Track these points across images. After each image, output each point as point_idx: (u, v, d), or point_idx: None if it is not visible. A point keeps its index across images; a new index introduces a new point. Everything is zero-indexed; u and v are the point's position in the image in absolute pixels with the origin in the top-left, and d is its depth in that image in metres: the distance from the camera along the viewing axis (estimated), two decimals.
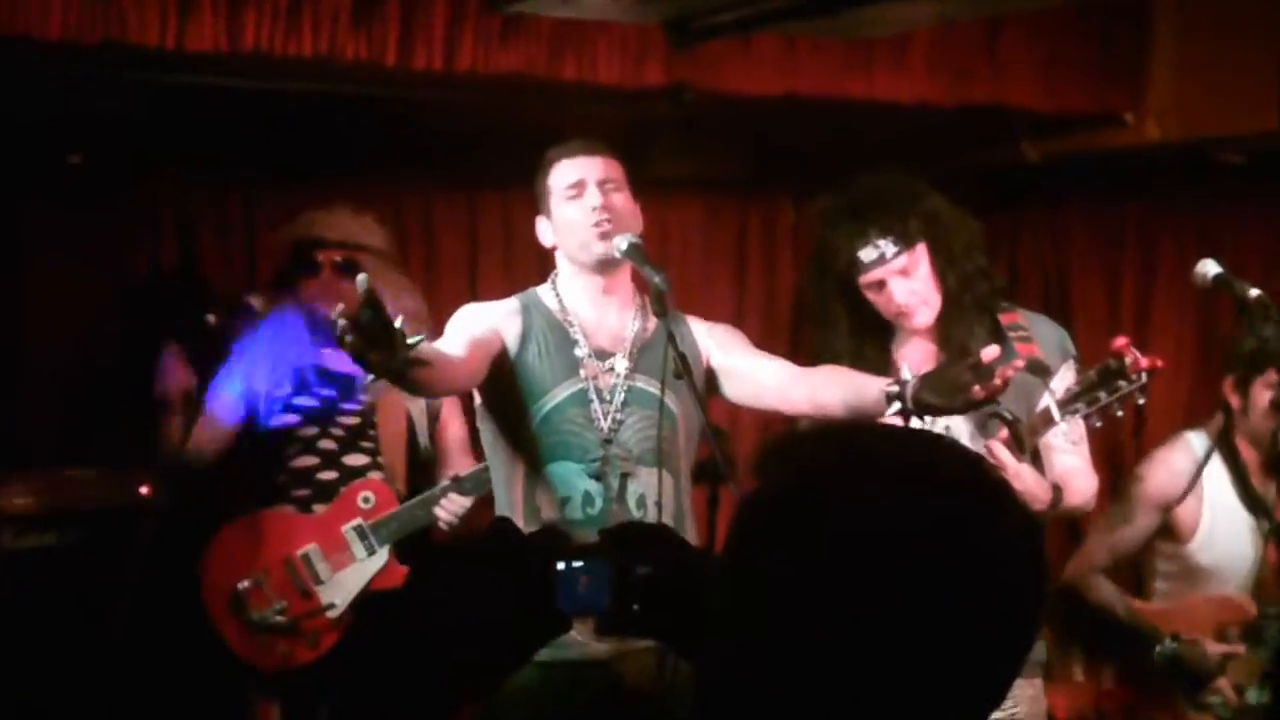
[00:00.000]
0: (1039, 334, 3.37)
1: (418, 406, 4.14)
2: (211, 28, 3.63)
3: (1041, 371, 3.28)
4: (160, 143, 4.60)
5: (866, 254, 3.33)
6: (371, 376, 2.72)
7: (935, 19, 3.47)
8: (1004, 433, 3.12)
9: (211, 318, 4.01)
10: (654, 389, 3.18)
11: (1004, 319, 3.38)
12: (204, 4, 3.61)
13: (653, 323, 3.26)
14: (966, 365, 2.93)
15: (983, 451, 3.09)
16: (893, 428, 1.47)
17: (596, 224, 3.16)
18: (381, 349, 2.69)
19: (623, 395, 3.20)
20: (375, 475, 4.03)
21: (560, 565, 1.47)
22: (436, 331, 4.31)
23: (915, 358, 3.42)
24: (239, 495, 4.05)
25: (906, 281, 3.34)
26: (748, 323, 5.48)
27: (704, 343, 3.28)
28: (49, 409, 4.59)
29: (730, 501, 3.23)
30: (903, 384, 3.00)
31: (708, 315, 3.65)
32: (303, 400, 4.04)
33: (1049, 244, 5.67)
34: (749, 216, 5.67)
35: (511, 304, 3.26)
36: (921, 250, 3.35)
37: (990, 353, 2.93)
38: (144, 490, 4.12)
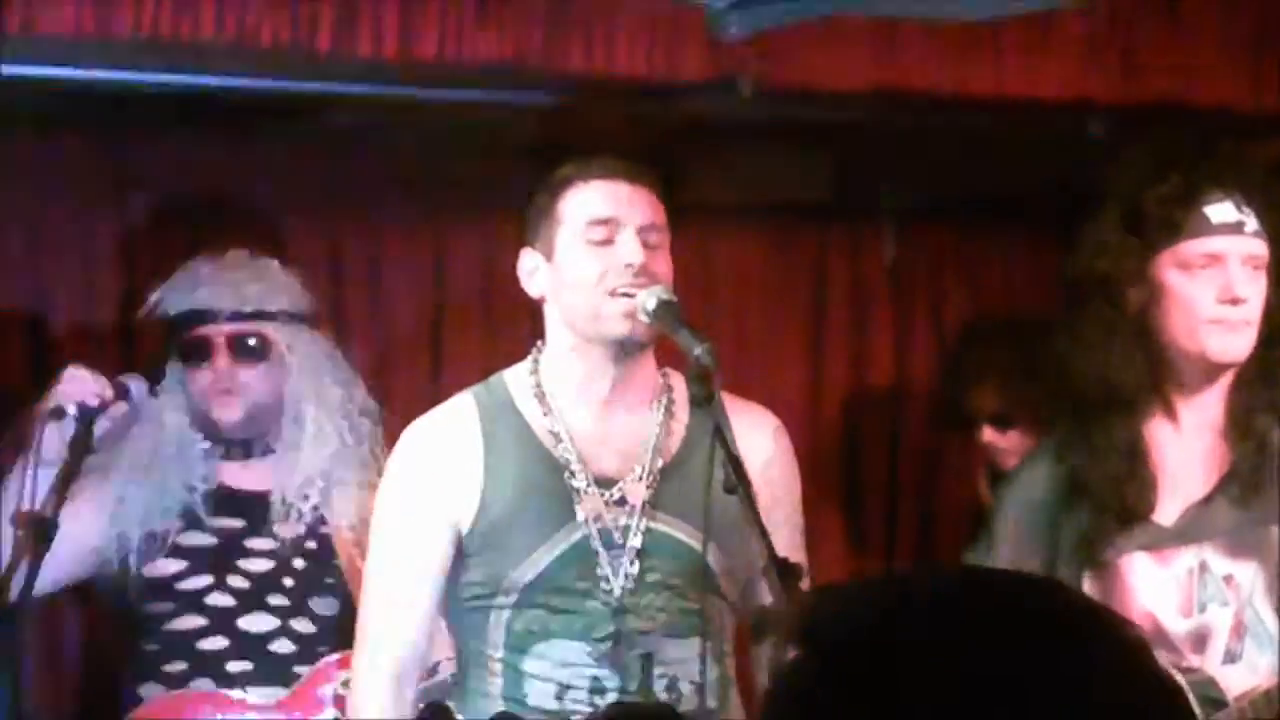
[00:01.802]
0: None
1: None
2: (73, 6, 3.62)
3: None
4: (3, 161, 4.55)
5: (1219, 211, 3.25)
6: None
7: None
8: None
9: (70, 406, 3.87)
10: (684, 535, 3.10)
11: None
12: None
13: (681, 425, 3.19)
14: None
15: None
16: (979, 570, 1.44)
17: (625, 290, 3.09)
18: None
19: (639, 539, 3.12)
20: (346, 652, 3.87)
21: None
22: (388, 420, 4.29)
23: (1183, 455, 3.34)
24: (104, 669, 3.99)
25: (1250, 278, 3.27)
26: (825, 407, 5.46)
27: (756, 466, 3.18)
28: None
29: None
30: None
31: (769, 398, 3.58)
32: (192, 538, 3.93)
33: None
34: (828, 253, 5.62)
35: (463, 438, 3.17)
36: (1269, 257, 3.29)
37: None
38: None
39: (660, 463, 3.18)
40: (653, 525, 3.14)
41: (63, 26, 3.65)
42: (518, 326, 4.78)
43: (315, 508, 3.93)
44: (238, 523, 3.96)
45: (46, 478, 3.54)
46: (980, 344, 4.79)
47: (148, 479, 3.89)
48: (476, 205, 5.03)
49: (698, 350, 3.00)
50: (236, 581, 3.91)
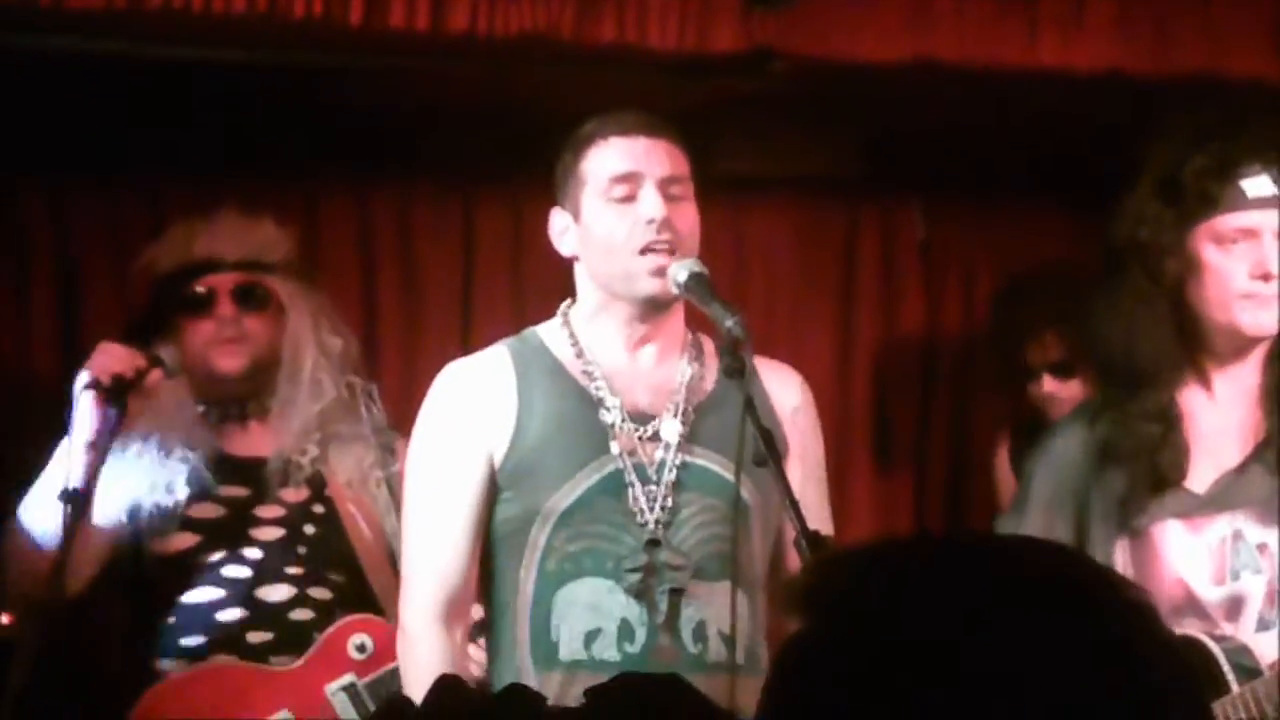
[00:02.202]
0: None
1: (382, 498, 3.99)
2: None
3: None
4: (29, 138, 4.56)
5: (1255, 184, 3.25)
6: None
7: None
8: None
9: (104, 378, 3.85)
10: (719, 468, 3.10)
11: None
12: None
13: (713, 372, 3.20)
14: None
15: None
16: (983, 536, 1.43)
17: (652, 247, 3.09)
18: None
19: (674, 474, 3.13)
20: (356, 614, 3.87)
21: None
22: (411, 392, 4.28)
23: (1218, 423, 3.35)
24: (120, 645, 3.96)
25: None
26: (855, 380, 5.45)
27: (785, 412, 3.20)
28: None
29: None
30: None
31: (799, 369, 3.58)
32: (201, 509, 3.90)
33: None
34: (859, 229, 5.61)
35: (497, 374, 3.20)
36: None
37: None
38: (3, 620, 4.07)
39: (694, 401, 3.19)
40: (689, 459, 3.15)
41: (93, 0, 3.64)
42: (546, 296, 4.81)
43: (314, 462, 3.92)
44: (244, 491, 3.93)
45: (86, 454, 3.56)
46: (1035, 294, 4.75)
47: (149, 449, 3.85)
48: (506, 177, 5.04)
49: (729, 322, 3.00)
50: (251, 552, 3.88)
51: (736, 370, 3.01)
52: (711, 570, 3.12)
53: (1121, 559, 3.45)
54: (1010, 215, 5.45)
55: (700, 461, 3.17)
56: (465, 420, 3.18)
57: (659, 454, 3.16)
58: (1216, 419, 3.44)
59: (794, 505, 2.95)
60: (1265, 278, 3.29)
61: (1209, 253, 3.31)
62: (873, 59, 4.28)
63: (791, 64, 4.24)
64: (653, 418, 3.18)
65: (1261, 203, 3.27)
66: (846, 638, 1.27)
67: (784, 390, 3.28)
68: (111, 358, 3.66)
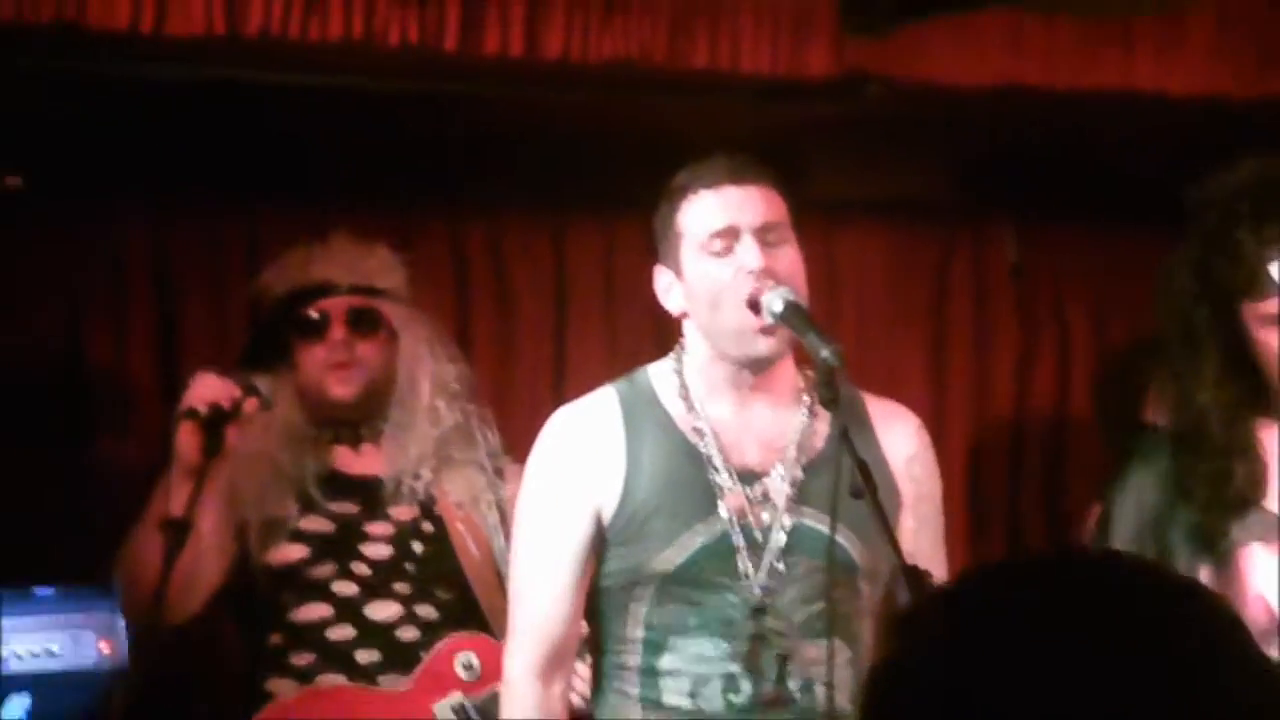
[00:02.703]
0: None
1: (492, 519, 3.98)
2: (203, 6, 3.66)
3: None
4: (130, 163, 4.62)
5: None
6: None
7: None
8: None
9: (202, 407, 3.88)
10: (827, 528, 3.08)
11: None
12: None
13: (825, 424, 3.17)
14: None
15: None
16: (1086, 562, 1.43)
17: (754, 301, 3.07)
18: None
19: (783, 538, 3.11)
20: (461, 632, 3.87)
21: None
22: (504, 419, 4.28)
23: None
24: (231, 667, 3.99)
25: None
26: (950, 406, 5.42)
27: (899, 463, 3.17)
28: None
29: None
30: None
31: (890, 396, 3.56)
32: (311, 523, 3.92)
33: None
34: (951, 253, 5.59)
35: (606, 426, 3.18)
36: None
37: None
38: (104, 647, 4.09)
39: (805, 459, 3.16)
40: (797, 521, 3.12)
41: (193, 27, 3.67)
42: (638, 322, 4.82)
43: (427, 486, 3.93)
44: (354, 507, 3.94)
45: (185, 482, 3.59)
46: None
47: (260, 464, 3.87)
48: (598, 203, 5.05)
49: (825, 352, 2.97)
50: (359, 568, 3.89)
51: (831, 401, 2.99)
52: (816, 629, 3.10)
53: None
54: (1104, 240, 5.42)
55: (808, 522, 3.13)
56: (574, 475, 3.16)
57: (767, 515, 3.13)
58: None
59: (891, 539, 2.92)
60: None
61: (1256, 331, 3.36)
62: (966, 83, 4.28)
63: (885, 88, 4.24)
64: (761, 476, 3.14)
65: None
66: (923, 659, 1.28)
67: (898, 438, 3.23)
68: (208, 388, 3.69)
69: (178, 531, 3.52)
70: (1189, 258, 3.42)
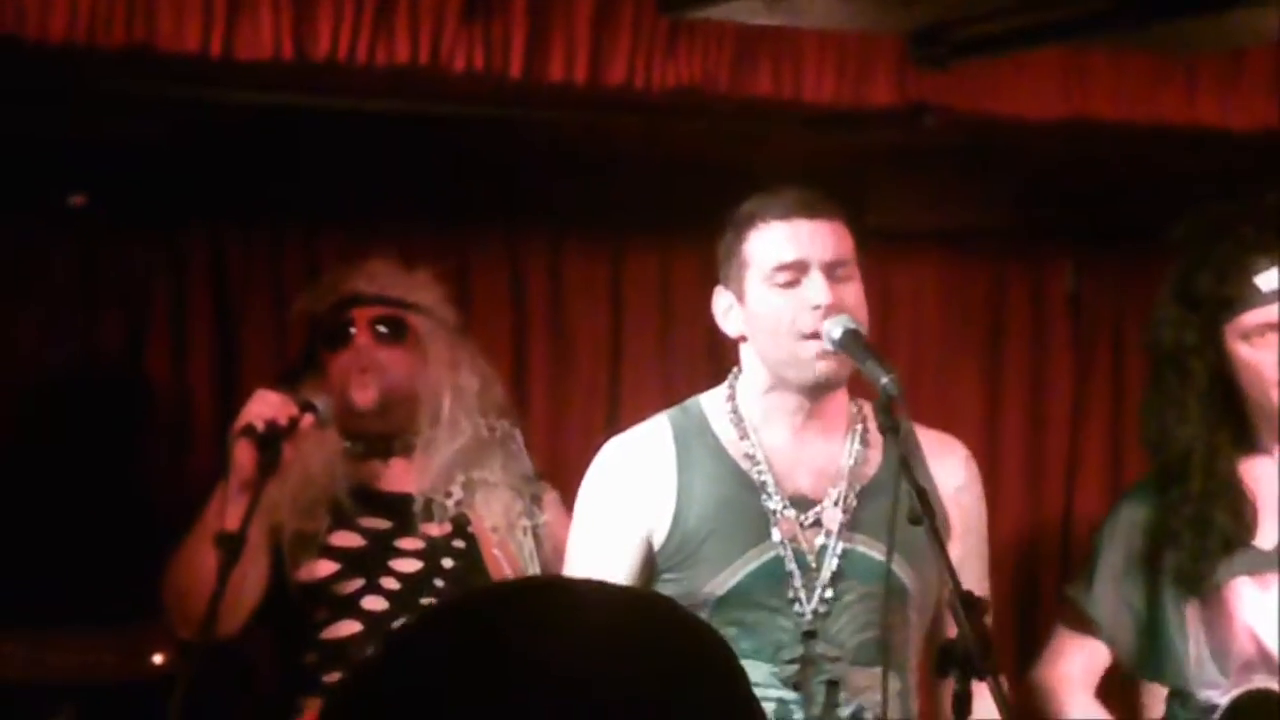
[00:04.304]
0: None
1: (527, 546, 3.95)
2: (271, 30, 3.68)
3: None
4: (194, 183, 4.66)
5: (1267, 279, 3.30)
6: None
7: None
8: None
9: (259, 424, 3.90)
10: (879, 554, 3.09)
11: None
12: (261, 0, 3.67)
13: (876, 451, 3.19)
14: None
15: None
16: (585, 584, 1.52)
17: (816, 332, 3.09)
18: None
19: (835, 563, 3.12)
20: None
21: None
22: (558, 443, 4.30)
23: (1277, 483, 3.36)
24: (269, 681, 3.99)
25: None
26: (1005, 436, 5.42)
27: (949, 493, 3.19)
28: (17, 541, 4.63)
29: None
30: None
31: (946, 424, 3.58)
32: (342, 538, 3.92)
33: None
34: (1008, 283, 5.59)
35: (659, 453, 3.20)
36: None
37: None
38: (158, 659, 4.12)
39: (858, 486, 3.18)
40: (849, 547, 3.14)
41: (261, 52, 3.70)
42: (694, 348, 4.83)
43: (458, 504, 3.91)
44: (385, 523, 3.93)
45: (241, 498, 3.62)
46: None
47: (293, 477, 3.83)
48: (656, 229, 5.07)
49: (884, 379, 2.99)
50: (389, 583, 3.87)
51: (891, 428, 3.00)
52: (866, 656, 3.13)
53: (1194, 621, 3.48)
54: (1161, 272, 5.41)
55: (860, 548, 3.16)
56: (626, 501, 3.18)
57: (820, 541, 3.16)
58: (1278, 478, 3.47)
59: (948, 565, 2.94)
60: None
61: (1240, 349, 3.39)
62: (1028, 115, 4.28)
63: (945, 119, 4.24)
64: (815, 503, 3.18)
65: (1276, 295, 3.34)
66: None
67: (947, 468, 3.25)
68: (266, 404, 3.71)
69: (233, 546, 3.53)
70: (1174, 283, 3.45)
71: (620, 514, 3.17)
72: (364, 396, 3.92)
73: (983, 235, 5.50)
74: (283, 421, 3.68)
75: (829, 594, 3.12)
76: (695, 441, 3.19)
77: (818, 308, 3.08)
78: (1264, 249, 3.35)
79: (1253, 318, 3.35)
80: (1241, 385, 3.42)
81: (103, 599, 4.38)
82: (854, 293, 3.14)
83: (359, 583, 3.87)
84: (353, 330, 3.95)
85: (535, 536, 3.92)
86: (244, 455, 3.66)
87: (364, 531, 3.92)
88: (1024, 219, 5.38)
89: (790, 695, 3.08)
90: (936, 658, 3.18)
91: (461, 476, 3.94)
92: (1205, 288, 3.39)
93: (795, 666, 3.09)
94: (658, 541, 3.15)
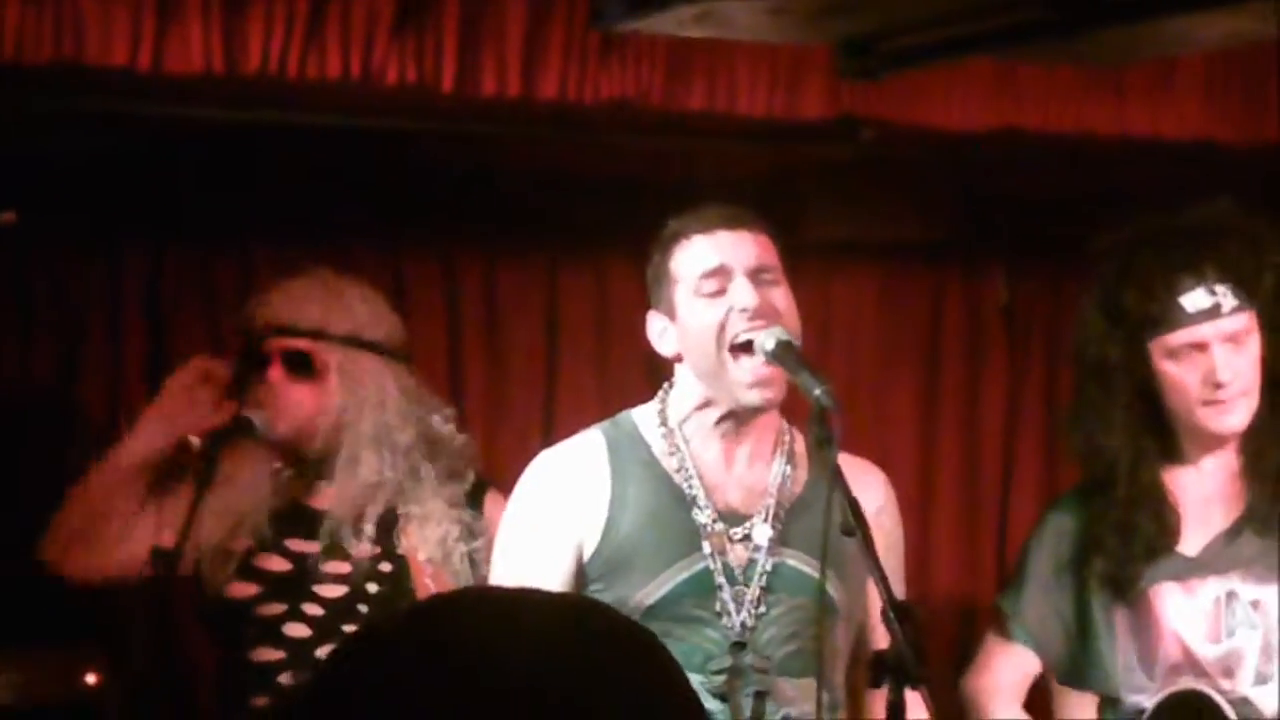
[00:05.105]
0: None
1: (464, 573, 3.84)
2: (201, 43, 3.67)
3: None
4: (126, 199, 4.64)
5: (1193, 299, 3.31)
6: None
7: (1227, 38, 3.42)
8: None
9: (194, 439, 3.89)
10: (808, 568, 3.10)
11: None
12: (190, 14, 3.65)
13: (804, 471, 3.20)
14: None
15: None
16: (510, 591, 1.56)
17: (747, 339, 3.09)
18: None
19: (765, 578, 3.13)
20: None
21: None
22: (494, 459, 4.29)
23: (1202, 491, 3.37)
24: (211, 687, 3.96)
25: (1234, 354, 3.35)
26: (941, 444, 5.44)
27: (869, 513, 3.18)
28: None
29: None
30: None
31: (882, 435, 3.58)
32: (266, 560, 3.85)
33: None
34: (943, 293, 5.61)
35: (591, 463, 3.19)
36: (1256, 320, 3.35)
37: None
38: (91, 679, 4.09)
39: (786, 503, 3.18)
40: (779, 561, 3.14)
41: (191, 65, 3.68)
42: (630, 363, 4.82)
43: (373, 540, 3.83)
44: (312, 545, 3.85)
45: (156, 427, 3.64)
46: None
47: (219, 491, 3.77)
48: (592, 243, 5.06)
49: (818, 391, 2.98)
50: (312, 609, 3.81)
51: (825, 440, 3.00)
52: (795, 668, 3.13)
53: (1122, 627, 3.51)
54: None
55: (790, 562, 3.16)
56: (557, 510, 3.17)
57: (749, 555, 3.15)
58: (1203, 488, 3.51)
59: (882, 577, 2.94)
60: (1217, 386, 3.35)
61: (1165, 366, 3.41)
62: (960, 127, 4.30)
63: (879, 131, 4.26)
64: (746, 518, 3.17)
65: (1202, 315, 3.35)
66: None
67: (866, 491, 3.23)
68: (198, 405, 3.71)
69: (168, 561, 3.51)
70: (1099, 297, 3.47)
71: (552, 522, 3.17)
72: (276, 430, 3.84)
73: (917, 247, 5.52)
74: (218, 436, 3.68)
75: (758, 608, 3.12)
76: (628, 453, 3.19)
77: (745, 310, 3.08)
78: (1189, 267, 3.35)
79: (1178, 338, 3.36)
80: (1167, 401, 3.44)
81: (33, 621, 4.35)
82: (782, 296, 3.14)
83: (281, 607, 3.81)
84: (269, 362, 3.86)
85: (472, 561, 3.84)
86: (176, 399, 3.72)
87: (289, 554, 3.85)
88: (957, 230, 5.40)
89: (718, 706, 3.08)
90: (870, 667, 3.18)
91: (378, 510, 3.84)
92: (1130, 304, 3.40)
93: (723, 677, 3.09)
94: (588, 551, 3.14)
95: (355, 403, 3.83)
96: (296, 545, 3.86)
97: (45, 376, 4.76)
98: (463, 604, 1.50)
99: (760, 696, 3.10)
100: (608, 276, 5.11)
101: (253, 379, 3.88)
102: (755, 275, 3.12)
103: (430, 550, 3.84)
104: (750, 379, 3.09)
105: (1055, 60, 3.98)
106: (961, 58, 3.73)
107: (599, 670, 1.39)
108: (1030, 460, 5.51)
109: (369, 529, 3.84)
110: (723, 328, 3.10)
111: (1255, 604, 3.44)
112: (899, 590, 3.27)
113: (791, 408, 3.25)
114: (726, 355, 3.10)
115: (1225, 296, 3.33)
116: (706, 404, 3.16)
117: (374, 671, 1.36)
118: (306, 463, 3.91)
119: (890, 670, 2.89)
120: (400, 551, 3.86)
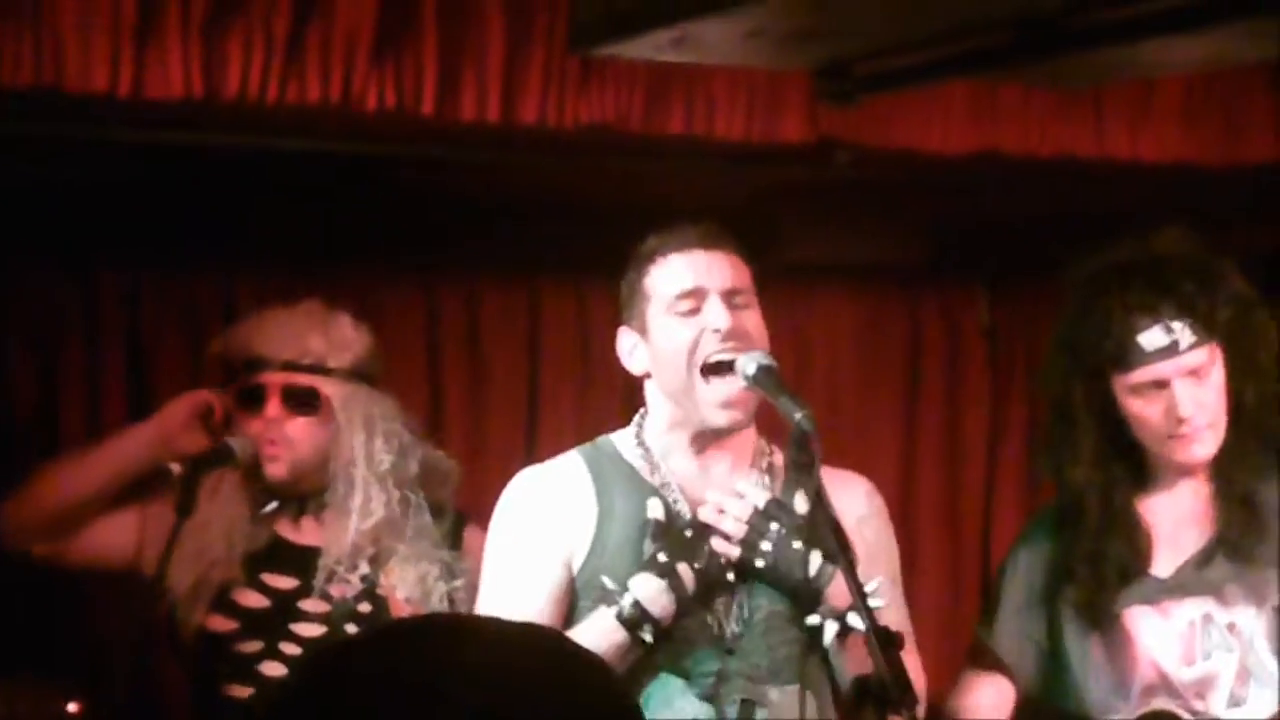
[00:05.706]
0: None
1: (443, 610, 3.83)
2: (181, 69, 3.66)
3: None
4: (106, 224, 4.63)
5: (1151, 338, 3.32)
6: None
7: (1206, 62, 3.43)
8: None
9: (174, 466, 3.86)
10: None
11: None
12: (170, 40, 3.64)
13: (780, 483, 3.20)
14: None
15: None
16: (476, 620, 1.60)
17: (720, 360, 3.11)
18: None
19: (751, 585, 3.14)
20: None
21: None
22: (476, 483, 4.28)
23: (1174, 514, 3.38)
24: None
25: (1196, 388, 3.34)
26: (922, 467, 5.44)
27: (850, 524, 3.18)
28: None
29: None
30: None
31: (862, 457, 3.58)
32: (244, 595, 3.81)
33: None
34: (923, 316, 5.62)
35: (575, 479, 3.20)
36: (1217, 352, 3.34)
37: None
38: (72, 708, 4.07)
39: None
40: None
41: (171, 90, 3.67)
42: (611, 387, 4.83)
43: (364, 578, 3.80)
44: (291, 582, 3.82)
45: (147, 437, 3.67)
46: None
47: (198, 524, 3.74)
48: (573, 267, 5.06)
49: (798, 415, 2.99)
50: (289, 648, 3.77)
51: (805, 464, 3.01)
52: (783, 675, 3.14)
53: (1097, 651, 3.52)
54: None
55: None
56: (544, 524, 3.17)
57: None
58: (1175, 511, 3.51)
59: (864, 601, 2.95)
60: (1180, 421, 3.36)
61: (1130, 402, 3.42)
62: (938, 150, 4.31)
63: (857, 154, 4.26)
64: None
65: (1160, 354, 3.35)
66: None
67: (849, 500, 3.25)
68: (189, 431, 3.72)
69: (152, 592, 3.50)
70: (1061, 334, 3.48)
71: (540, 537, 3.17)
72: (274, 469, 3.81)
73: (896, 269, 5.53)
74: (198, 463, 3.67)
75: (747, 614, 3.13)
76: (610, 470, 3.20)
77: (718, 331, 3.10)
78: (1144, 307, 3.35)
79: (1138, 376, 3.37)
80: (1135, 434, 3.45)
81: (15, 649, 4.34)
82: (753, 319, 3.16)
83: (258, 645, 3.77)
84: (264, 396, 3.83)
85: (451, 600, 3.82)
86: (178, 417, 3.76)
87: (268, 591, 3.82)
88: (937, 253, 5.41)
89: (706, 711, 3.08)
90: (853, 692, 3.19)
91: (372, 550, 3.81)
92: (1090, 342, 3.41)
93: (711, 682, 3.10)
94: (577, 564, 3.15)
95: (356, 438, 3.81)
96: (275, 581, 3.82)
97: (26, 403, 4.75)
98: (427, 629, 1.54)
99: (747, 704, 3.11)
100: (589, 300, 5.11)
101: (245, 412, 3.85)
102: (729, 297, 3.14)
103: (409, 589, 3.81)
104: (720, 400, 3.11)
105: (1031, 82, 4.00)
106: (938, 81, 3.74)
107: (551, 696, 1.42)
108: (1011, 481, 5.52)
109: (364, 566, 3.81)
110: (694, 348, 3.12)
111: (1230, 627, 3.45)
112: (898, 601, 3.28)
113: (768, 427, 3.26)
114: (697, 375, 3.11)
115: (1183, 333, 3.33)
116: (677, 423, 3.18)
117: (333, 694, 1.40)
118: (291, 498, 3.89)
119: (873, 695, 2.90)
120: (380, 591, 3.83)
